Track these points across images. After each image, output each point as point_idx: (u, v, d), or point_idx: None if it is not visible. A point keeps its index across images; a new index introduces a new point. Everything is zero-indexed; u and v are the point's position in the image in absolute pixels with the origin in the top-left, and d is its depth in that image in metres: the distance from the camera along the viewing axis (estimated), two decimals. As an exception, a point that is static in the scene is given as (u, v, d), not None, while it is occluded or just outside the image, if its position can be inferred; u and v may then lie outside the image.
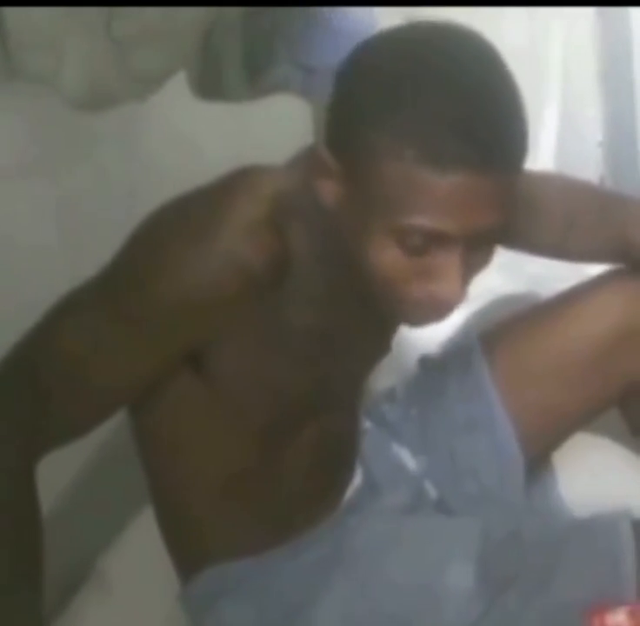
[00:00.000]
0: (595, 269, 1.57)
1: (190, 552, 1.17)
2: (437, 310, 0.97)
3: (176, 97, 1.29)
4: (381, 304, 1.00)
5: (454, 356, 1.31)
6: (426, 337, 1.55)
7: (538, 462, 1.30)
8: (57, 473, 1.36)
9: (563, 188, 1.28)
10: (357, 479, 1.24)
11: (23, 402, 0.99)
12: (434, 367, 1.34)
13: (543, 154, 1.74)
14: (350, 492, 1.22)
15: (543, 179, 1.27)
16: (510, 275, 1.82)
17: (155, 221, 0.98)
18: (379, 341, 1.18)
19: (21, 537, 1.00)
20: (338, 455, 1.19)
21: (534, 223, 1.25)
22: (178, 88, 1.28)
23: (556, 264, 1.71)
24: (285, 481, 1.13)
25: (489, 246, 0.96)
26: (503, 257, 1.89)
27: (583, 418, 1.29)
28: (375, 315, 1.07)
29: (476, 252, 0.94)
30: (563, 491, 1.31)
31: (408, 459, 1.28)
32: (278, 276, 0.98)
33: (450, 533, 1.17)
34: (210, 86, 1.29)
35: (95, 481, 1.43)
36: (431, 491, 1.26)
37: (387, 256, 0.93)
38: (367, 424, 1.29)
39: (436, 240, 0.91)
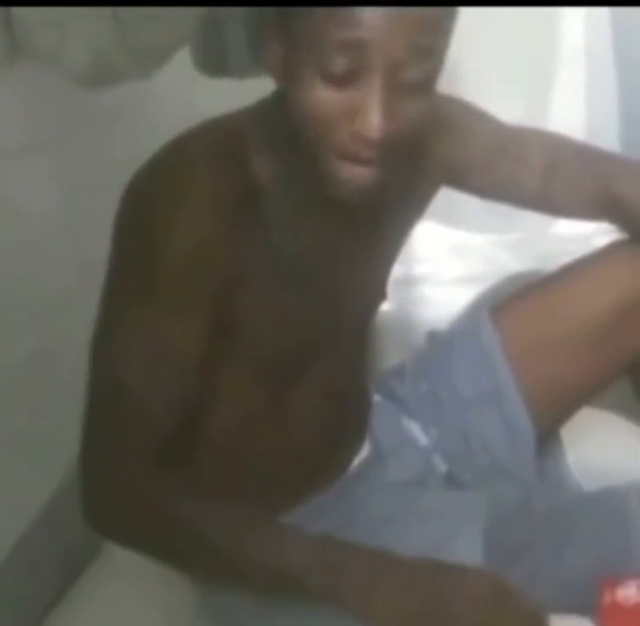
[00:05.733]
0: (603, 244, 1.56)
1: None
2: (362, 157, 0.95)
3: (182, 73, 1.27)
4: (318, 176, 0.98)
5: (463, 330, 1.30)
6: (435, 314, 1.54)
7: (548, 436, 1.29)
8: (67, 448, 1.35)
9: (546, 139, 1.27)
10: (365, 450, 1.22)
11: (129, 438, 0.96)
12: (443, 341, 1.32)
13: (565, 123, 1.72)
14: (357, 462, 1.20)
15: (525, 130, 1.27)
16: (520, 253, 1.81)
17: (131, 198, 0.98)
18: (367, 279, 1.15)
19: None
20: (343, 416, 1.17)
21: (514, 172, 1.23)
22: (184, 64, 1.27)
23: (566, 241, 1.70)
24: (289, 438, 1.11)
25: (417, 94, 0.94)
26: (512, 236, 1.90)
27: (594, 388, 1.27)
28: (355, 243, 1.07)
29: (402, 96, 0.93)
30: (571, 465, 1.29)
31: (418, 433, 1.26)
32: (248, 204, 0.98)
33: (457, 507, 1.15)
34: (213, 62, 1.28)
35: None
36: (440, 465, 1.25)
37: (315, 93, 0.93)
38: (376, 398, 1.27)
39: (356, 63, 0.91)
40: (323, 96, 0.93)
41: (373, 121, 0.92)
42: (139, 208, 0.98)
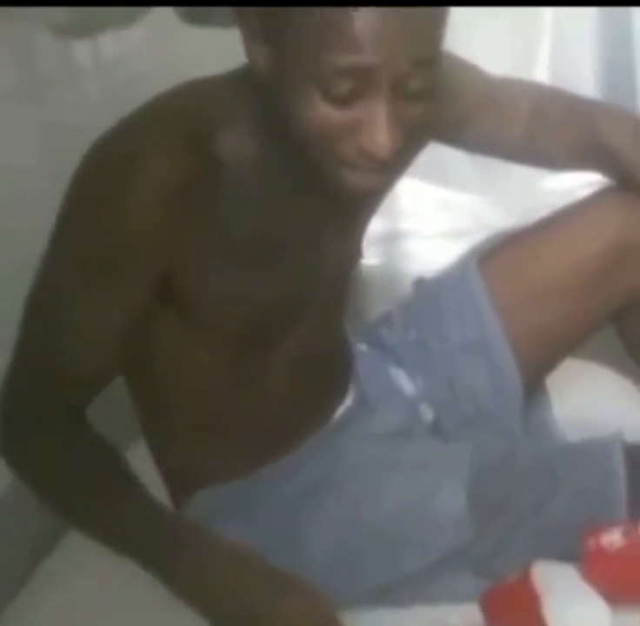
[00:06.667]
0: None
1: (180, 477, 1.14)
2: (369, 167, 0.94)
3: (166, 23, 1.26)
4: (319, 177, 0.96)
5: (451, 279, 1.29)
6: (421, 268, 1.54)
7: (534, 387, 1.28)
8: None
9: (531, 89, 1.27)
10: (349, 400, 1.21)
11: (38, 384, 1.02)
12: (431, 290, 1.31)
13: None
14: (339, 413, 1.20)
15: (510, 81, 1.26)
16: (505, 209, 1.81)
17: (85, 164, 0.97)
18: (343, 243, 1.14)
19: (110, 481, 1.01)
20: (324, 370, 1.17)
21: (502, 123, 1.22)
22: (166, 13, 1.26)
23: (551, 196, 1.70)
24: (270, 393, 1.11)
25: (422, 99, 0.93)
26: (496, 192, 1.90)
27: (580, 337, 1.27)
28: (325, 211, 1.05)
29: (407, 105, 0.91)
30: (556, 415, 1.29)
31: (405, 381, 1.25)
32: (207, 187, 0.97)
33: (441, 459, 1.15)
34: (196, 11, 1.26)
35: (90, 414, 1.42)
36: (427, 414, 1.24)
37: (316, 112, 0.90)
38: (362, 347, 1.27)
39: (360, 83, 0.89)
40: (325, 115, 0.90)
41: (381, 140, 0.90)
42: (91, 180, 0.97)
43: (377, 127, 0.90)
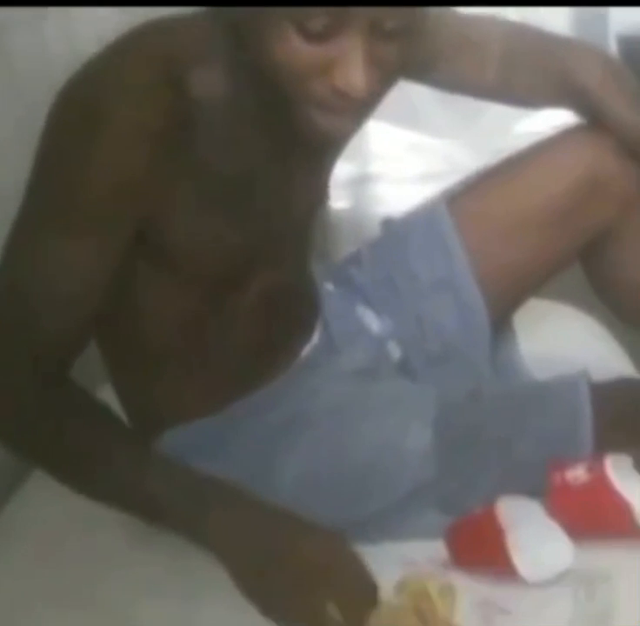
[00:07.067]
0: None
1: (149, 417, 1.14)
2: (341, 107, 0.92)
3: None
4: (289, 119, 0.95)
5: (419, 218, 1.29)
6: (391, 211, 1.54)
7: (501, 324, 1.29)
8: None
9: (500, 26, 1.26)
10: (315, 339, 1.21)
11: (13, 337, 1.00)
12: (399, 229, 1.31)
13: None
14: (306, 350, 1.20)
15: (481, 19, 1.26)
16: (476, 151, 1.81)
17: (57, 109, 0.95)
18: (312, 184, 1.14)
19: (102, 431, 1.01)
20: (290, 309, 1.17)
21: (472, 59, 1.22)
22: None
23: (522, 138, 1.70)
24: (239, 330, 1.11)
25: (399, 38, 0.91)
26: (467, 135, 1.90)
27: (547, 274, 1.28)
28: (294, 152, 1.04)
29: (383, 44, 0.90)
30: (523, 354, 1.30)
31: (372, 320, 1.26)
32: (183, 130, 0.95)
33: (409, 397, 1.16)
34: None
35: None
36: (394, 352, 1.25)
37: (288, 46, 0.88)
38: (329, 287, 1.27)
39: (336, 20, 0.87)
40: (299, 51, 0.89)
41: (356, 79, 0.89)
42: (67, 125, 0.95)
43: (352, 66, 0.89)
